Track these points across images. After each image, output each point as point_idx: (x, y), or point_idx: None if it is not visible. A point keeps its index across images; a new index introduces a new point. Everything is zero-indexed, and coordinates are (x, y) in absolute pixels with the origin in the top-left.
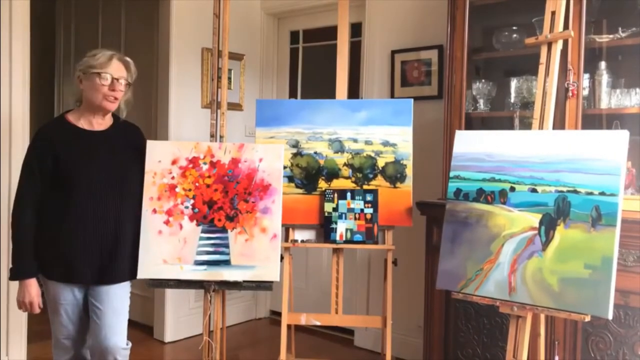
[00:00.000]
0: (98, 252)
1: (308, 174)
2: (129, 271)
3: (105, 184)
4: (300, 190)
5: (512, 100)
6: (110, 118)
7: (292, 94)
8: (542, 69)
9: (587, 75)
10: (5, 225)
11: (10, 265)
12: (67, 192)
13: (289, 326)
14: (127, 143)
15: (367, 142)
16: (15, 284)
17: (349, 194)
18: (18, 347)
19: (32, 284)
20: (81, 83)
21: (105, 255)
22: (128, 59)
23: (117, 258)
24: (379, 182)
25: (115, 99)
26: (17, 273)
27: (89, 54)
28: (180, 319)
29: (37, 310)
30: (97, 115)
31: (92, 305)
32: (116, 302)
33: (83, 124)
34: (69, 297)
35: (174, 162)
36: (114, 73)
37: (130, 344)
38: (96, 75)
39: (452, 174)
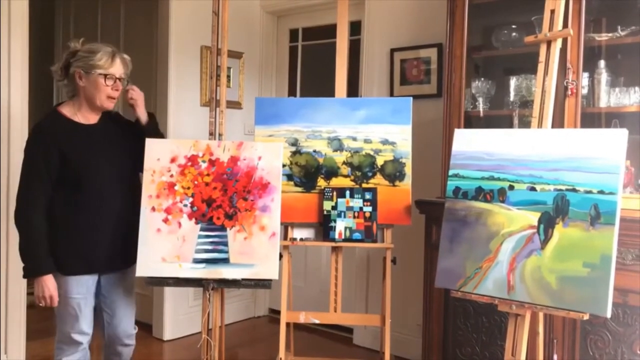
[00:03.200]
0: (110, 242)
1: (307, 172)
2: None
3: (110, 176)
4: (299, 189)
5: (512, 98)
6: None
7: (292, 92)
8: (541, 67)
9: (586, 74)
10: (5, 222)
11: (23, 264)
12: (75, 185)
13: (287, 324)
14: (120, 132)
15: (366, 141)
16: (16, 281)
17: (348, 193)
18: (17, 345)
19: (50, 279)
20: (80, 80)
21: (116, 244)
22: (126, 56)
23: (129, 245)
24: (378, 180)
25: (115, 98)
26: (34, 271)
27: (85, 50)
28: (179, 317)
29: (56, 304)
30: (95, 112)
31: (100, 295)
32: (123, 289)
33: (80, 118)
34: (82, 290)
35: (172, 160)
36: (117, 73)
37: (137, 329)
38: (101, 77)
39: (451, 172)
